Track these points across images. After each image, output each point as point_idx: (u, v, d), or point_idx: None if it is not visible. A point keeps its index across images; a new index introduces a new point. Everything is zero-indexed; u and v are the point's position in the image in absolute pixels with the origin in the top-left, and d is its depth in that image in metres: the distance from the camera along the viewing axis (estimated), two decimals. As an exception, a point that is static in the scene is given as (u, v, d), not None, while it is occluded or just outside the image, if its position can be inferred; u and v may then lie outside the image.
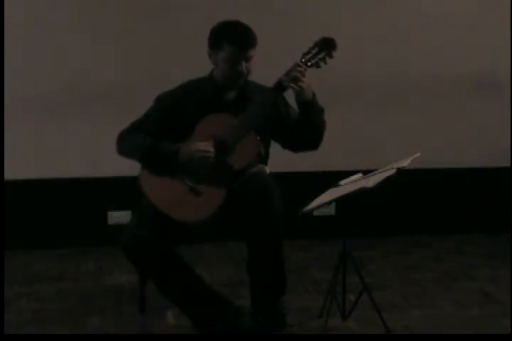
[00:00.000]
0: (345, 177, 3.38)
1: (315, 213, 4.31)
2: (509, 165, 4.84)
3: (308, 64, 3.19)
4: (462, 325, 3.44)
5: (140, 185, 3.26)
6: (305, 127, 3.27)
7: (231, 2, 4.48)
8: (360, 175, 3.40)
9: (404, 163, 3.21)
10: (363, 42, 4.64)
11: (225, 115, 3.24)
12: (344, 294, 3.35)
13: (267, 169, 3.35)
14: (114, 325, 3.47)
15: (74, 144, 4.51)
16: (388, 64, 4.68)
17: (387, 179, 3.11)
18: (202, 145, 3.17)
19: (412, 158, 3.26)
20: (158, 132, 3.27)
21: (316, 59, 3.21)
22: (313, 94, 3.24)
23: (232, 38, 3.19)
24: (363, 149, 4.74)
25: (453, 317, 3.54)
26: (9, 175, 4.42)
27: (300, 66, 3.18)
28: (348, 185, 3.27)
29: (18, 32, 4.37)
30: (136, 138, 3.27)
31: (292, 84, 3.16)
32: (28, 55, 4.41)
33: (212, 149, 3.17)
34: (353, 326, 3.40)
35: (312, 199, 3.24)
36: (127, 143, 3.30)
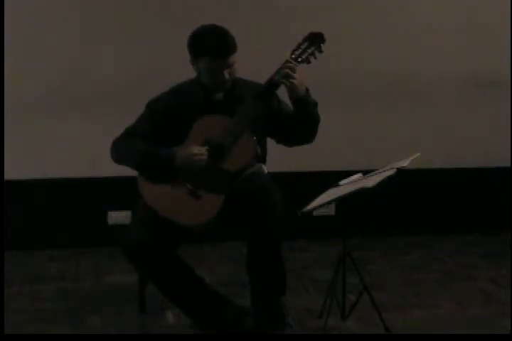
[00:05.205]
0: (345, 177, 3.38)
1: (315, 213, 4.30)
2: (509, 165, 4.84)
3: (299, 60, 3.18)
4: (462, 325, 3.44)
5: (139, 189, 3.24)
6: (300, 122, 3.26)
7: (231, 2, 4.48)
8: (360, 175, 3.40)
9: (405, 163, 3.21)
10: (363, 42, 4.63)
11: (219, 116, 3.22)
12: (344, 294, 3.35)
13: (265, 168, 3.34)
14: (114, 324, 3.47)
15: (74, 144, 4.50)
16: (388, 63, 4.68)
17: (387, 179, 3.11)
18: (196, 149, 3.14)
19: (412, 158, 3.26)
20: (152, 138, 3.25)
21: (306, 54, 3.19)
22: (307, 90, 3.22)
23: (210, 50, 3.12)
24: (363, 149, 4.74)
25: (453, 317, 3.54)
26: (9, 175, 4.42)
27: (290, 62, 3.16)
28: (348, 185, 3.26)
29: (18, 32, 4.37)
30: (131, 146, 3.24)
31: (284, 81, 3.15)
32: (28, 54, 4.41)
33: (206, 152, 3.15)
34: (352, 326, 3.39)
35: (312, 199, 3.24)
36: (122, 151, 3.27)
